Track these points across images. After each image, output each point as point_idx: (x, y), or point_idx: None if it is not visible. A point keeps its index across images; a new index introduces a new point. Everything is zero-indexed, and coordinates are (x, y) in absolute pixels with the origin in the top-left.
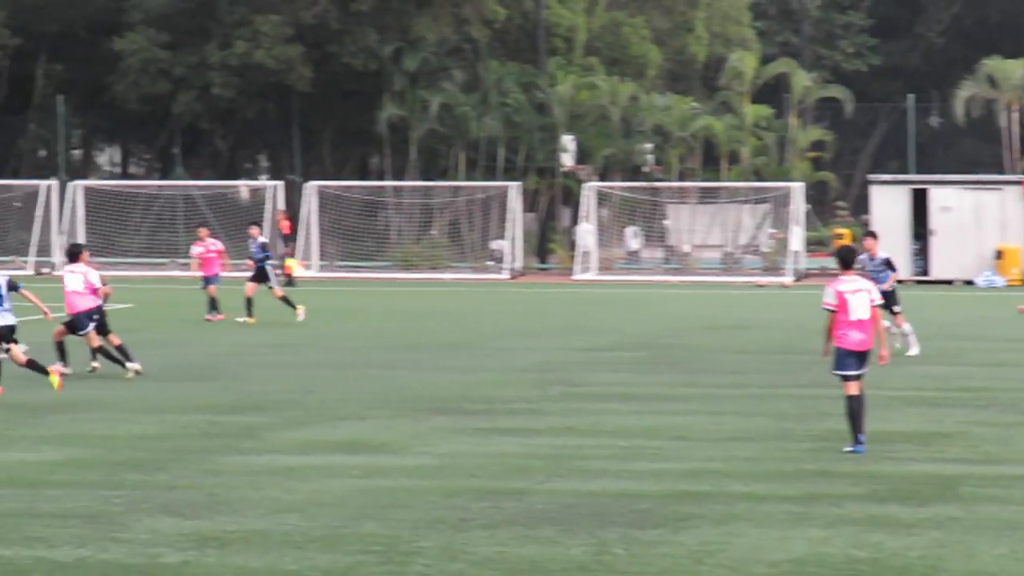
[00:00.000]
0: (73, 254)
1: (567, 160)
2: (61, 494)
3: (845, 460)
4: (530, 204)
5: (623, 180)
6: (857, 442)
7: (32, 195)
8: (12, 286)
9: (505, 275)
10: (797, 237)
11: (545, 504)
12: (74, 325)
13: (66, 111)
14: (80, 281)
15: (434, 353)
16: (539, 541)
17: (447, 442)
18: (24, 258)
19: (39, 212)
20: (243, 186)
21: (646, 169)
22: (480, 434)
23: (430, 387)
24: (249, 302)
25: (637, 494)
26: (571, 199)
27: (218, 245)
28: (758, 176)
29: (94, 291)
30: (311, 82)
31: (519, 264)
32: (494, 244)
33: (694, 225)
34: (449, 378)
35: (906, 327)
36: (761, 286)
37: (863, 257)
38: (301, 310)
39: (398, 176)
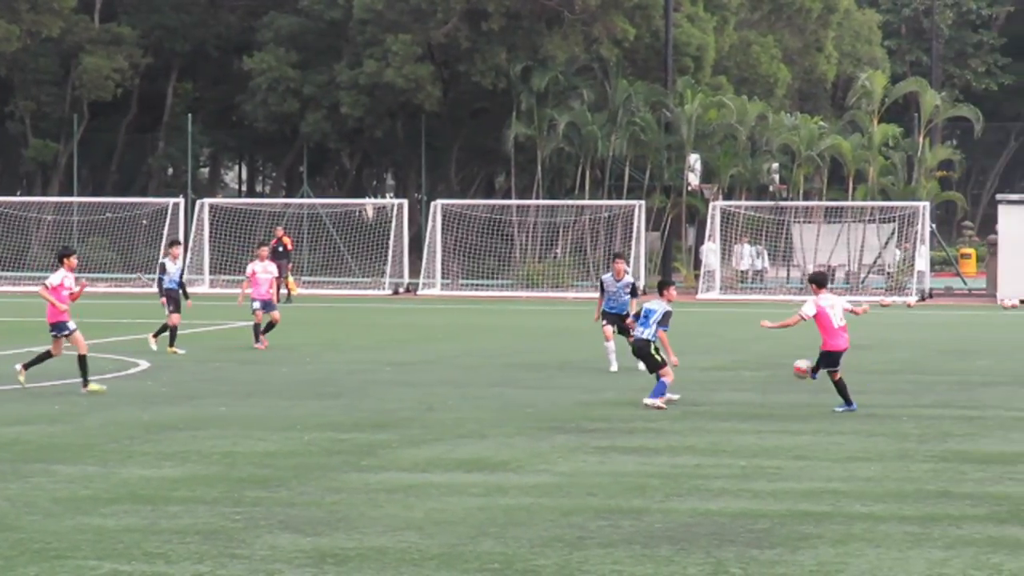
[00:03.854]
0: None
1: (693, 179)
2: (181, 510)
3: (965, 481)
4: (654, 223)
5: (749, 199)
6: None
7: (160, 213)
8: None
9: None
10: (923, 257)
11: (663, 523)
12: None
13: (195, 130)
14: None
15: (555, 372)
16: (656, 560)
17: (566, 460)
18: (150, 275)
19: (166, 230)
20: (368, 205)
21: (772, 188)
22: (599, 452)
23: (550, 405)
24: None
25: (755, 514)
26: (696, 218)
27: (272, 271)
28: (885, 195)
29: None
30: (439, 101)
31: (642, 283)
32: None
33: (819, 244)
34: (569, 397)
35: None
36: (885, 306)
37: (607, 277)
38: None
39: (524, 195)
